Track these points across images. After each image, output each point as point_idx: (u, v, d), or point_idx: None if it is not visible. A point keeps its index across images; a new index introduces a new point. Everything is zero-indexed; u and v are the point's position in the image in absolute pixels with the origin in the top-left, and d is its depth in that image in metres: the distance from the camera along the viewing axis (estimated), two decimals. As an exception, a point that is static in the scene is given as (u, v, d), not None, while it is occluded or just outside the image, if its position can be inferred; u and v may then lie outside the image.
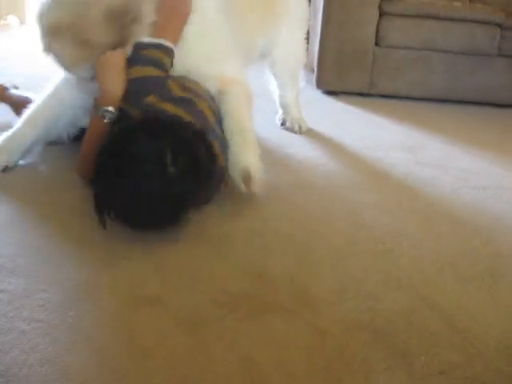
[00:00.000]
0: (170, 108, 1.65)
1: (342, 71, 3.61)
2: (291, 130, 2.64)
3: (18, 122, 1.90)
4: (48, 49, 1.71)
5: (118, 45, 1.68)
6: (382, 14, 3.53)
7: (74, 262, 1.35)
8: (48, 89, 1.95)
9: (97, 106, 1.71)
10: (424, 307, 1.29)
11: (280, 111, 2.73)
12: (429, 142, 2.73)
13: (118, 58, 1.70)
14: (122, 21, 1.67)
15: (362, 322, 1.21)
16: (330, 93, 3.65)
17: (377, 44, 3.59)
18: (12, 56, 4.12)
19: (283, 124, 2.69)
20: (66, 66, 1.75)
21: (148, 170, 1.44)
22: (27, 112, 1.91)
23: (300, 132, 2.63)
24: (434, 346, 1.15)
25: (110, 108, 1.68)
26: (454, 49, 3.63)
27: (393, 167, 2.28)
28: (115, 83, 1.70)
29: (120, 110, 1.68)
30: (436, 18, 3.56)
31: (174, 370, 1.02)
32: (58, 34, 1.66)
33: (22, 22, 6.86)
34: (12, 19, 6.87)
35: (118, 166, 1.46)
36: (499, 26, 3.60)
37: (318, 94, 3.63)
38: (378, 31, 3.56)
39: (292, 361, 1.07)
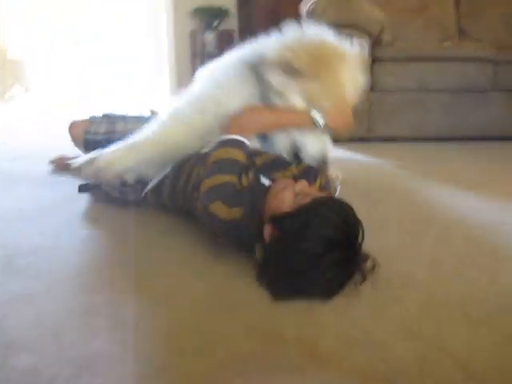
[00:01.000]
0: None
1: (339, 119, 3.66)
2: None
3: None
4: None
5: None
6: (374, 59, 3.61)
7: (83, 334, 1.35)
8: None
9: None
10: (437, 353, 1.27)
11: None
12: (429, 183, 2.75)
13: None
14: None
15: (375, 374, 1.20)
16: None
17: (372, 89, 3.66)
18: (16, 125, 4.22)
19: None
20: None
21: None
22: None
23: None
24: (447, 394, 1.13)
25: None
26: (449, 88, 3.69)
27: (395, 210, 2.30)
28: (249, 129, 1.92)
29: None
30: (427, 59, 3.64)
31: None
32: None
33: (27, 90, 7.08)
34: (17, 88, 7.09)
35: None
36: (491, 61, 3.66)
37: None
38: (371, 77, 3.63)
39: (304, 420, 1.06)
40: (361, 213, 2.19)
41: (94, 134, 2.25)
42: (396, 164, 3.16)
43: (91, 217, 2.17)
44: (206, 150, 1.91)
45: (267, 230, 1.60)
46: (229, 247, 1.77)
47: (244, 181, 1.81)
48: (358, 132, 3.72)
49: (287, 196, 1.64)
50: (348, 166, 3.06)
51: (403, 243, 1.94)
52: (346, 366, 1.23)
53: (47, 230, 1.99)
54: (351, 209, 1.59)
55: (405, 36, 4.12)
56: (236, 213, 1.69)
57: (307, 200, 1.59)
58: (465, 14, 4.34)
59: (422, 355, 1.26)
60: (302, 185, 1.70)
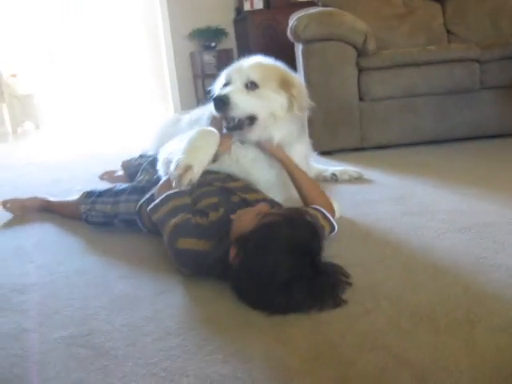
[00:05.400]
0: None
1: (332, 131, 3.73)
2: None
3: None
4: None
5: None
6: (360, 70, 3.65)
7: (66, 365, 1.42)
8: None
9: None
10: (396, 365, 1.31)
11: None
12: (418, 189, 2.78)
13: None
14: None
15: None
16: (325, 153, 3.75)
17: (361, 99, 3.70)
18: (27, 163, 4.38)
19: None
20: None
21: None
22: None
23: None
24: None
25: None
26: (437, 90, 3.71)
27: (378, 221, 2.33)
28: None
29: None
30: (413, 64, 3.66)
31: None
32: None
33: (37, 127, 7.22)
34: (28, 125, 7.25)
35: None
36: (477, 61, 3.67)
37: (314, 156, 3.71)
38: (359, 87, 3.68)
39: None
40: (345, 225, 2.24)
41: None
42: (388, 171, 3.19)
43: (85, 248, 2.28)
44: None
45: (232, 252, 1.68)
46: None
47: (212, 216, 1.92)
48: (351, 142, 3.77)
49: (247, 217, 1.75)
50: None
51: (381, 256, 1.97)
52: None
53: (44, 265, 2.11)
54: (309, 226, 1.70)
55: (393, 43, 4.13)
56: (204, 245, 1.79)
57: (268, 218, 1.68)
58: (451, 16, 4.34)
59: (382, 368, 1.31)
60: (263, 207, 1.81)
